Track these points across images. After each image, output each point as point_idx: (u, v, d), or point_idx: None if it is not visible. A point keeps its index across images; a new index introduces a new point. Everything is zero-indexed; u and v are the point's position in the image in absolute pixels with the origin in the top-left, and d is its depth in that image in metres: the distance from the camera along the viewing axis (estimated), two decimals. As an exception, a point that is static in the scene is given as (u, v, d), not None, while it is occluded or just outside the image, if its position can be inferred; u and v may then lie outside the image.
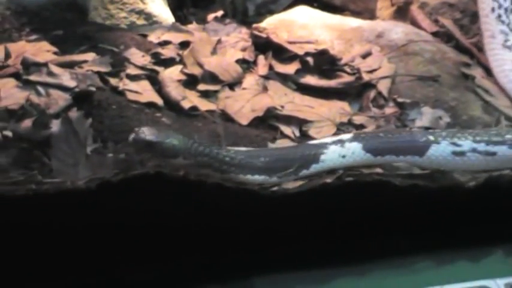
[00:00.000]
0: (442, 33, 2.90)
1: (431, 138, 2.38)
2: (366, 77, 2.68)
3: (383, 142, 2.40)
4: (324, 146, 2.36)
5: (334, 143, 2.37)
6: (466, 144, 2.36)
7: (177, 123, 2.54)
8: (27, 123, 2.43)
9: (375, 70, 2.70)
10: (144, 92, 2.63)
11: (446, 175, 2.36)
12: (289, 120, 2.58)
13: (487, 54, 2.81)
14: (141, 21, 3.05)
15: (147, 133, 2.23)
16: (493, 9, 2.82)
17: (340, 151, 2.35)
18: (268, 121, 2.58)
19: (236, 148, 2.35)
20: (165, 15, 3.11)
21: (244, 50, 2.77)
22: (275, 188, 2.25)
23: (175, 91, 2.64)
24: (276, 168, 2.30)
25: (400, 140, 2.40)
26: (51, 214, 2.01)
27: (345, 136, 2.39)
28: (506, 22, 2.80)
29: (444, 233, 2.27)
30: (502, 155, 2.35)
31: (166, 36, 2.88)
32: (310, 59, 2.73)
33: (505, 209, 2.32)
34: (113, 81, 2.64)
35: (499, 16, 2.81)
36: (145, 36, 2.91)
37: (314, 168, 2.33)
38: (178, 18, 3.14)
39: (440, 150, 2.36)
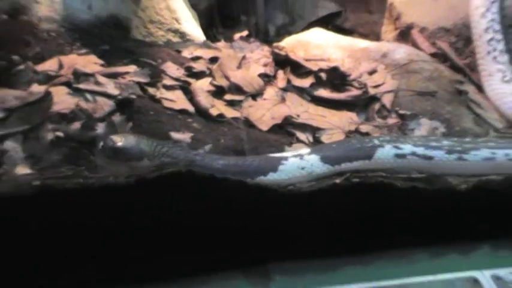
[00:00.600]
0: (439, 54, 2.91)
1: (377, 142, 2.41)
2: (372, 91, 2.70)
3: (337, 152, 2.42)
4: (285, 158, 2.37)
5: (294, 156, 2.38)
6: (407, 148, 2.39)
7: (205, 128, 2.56)
8: (76, 125, 2.45)
9: (379, 85, 2.71)
10: (177, 100, 2.64)
11: (440, 179, 2.37)
12: (304, 127, 2.59)
13: (486, 90, 2.85)
14: (176, 39, 3.06)
15: (115, 140, 2.26)
16: (488, 52, 2.84)
17: (300, 163, 2.36)
18: (286, 128, 2.59)
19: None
20: (197, 34, 3.12)
21: (265, 65, 2.78)
22: (291, 187, 2.26)
23: (204, 100, 2.65)
24: (231, 171, 2.30)
25: (352, 148, 2.43)
26: (96, 204, 2.03)
27: (304, 151, 2.41)
28: (501, 61, 2.81)
29: (438, 229, 2.28)
30: (438, 159, 2.35)
31: (198, 52, 2.90)
32: (323, 75, 2.74)
33: (492, 209, 2.33)
34: (151, 90, 2.66)
35: (495, 57, 2.83)
36: (179, 52, 2.91)
37: (271, 175, 2.33)
38: (208, 36, 3.14)
39: (385, 153, 2.39)
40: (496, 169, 2.39)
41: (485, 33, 2.85)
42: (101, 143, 2.28)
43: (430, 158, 2.39)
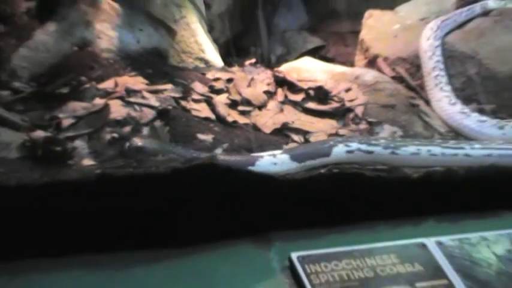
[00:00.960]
0: (397, 77, 2.92)
1: (332, 143, 2.43)
2: (348, 104, 2.71)
3: (303, 151, 2.45)
4: (261, 156, 2.39)
5: (268, 155, 2.40)
6: (354, 145, 2.40)
7: (223, 131, 2.60)
8: (127, 129, 2.46)
9: (353, 100, 2.72)
10: (202, 110, 2.66)
11: (398, 170, 2.38)
12: (297, 131, 2.61)
13: (437, 111, 2.87)
14: (201, 65, 3.07)
15: (137, 141, 2.29)
16: (436, 84, 2.85)
17: (272, 160, 2.38)
18: (284, 131, 2.61)
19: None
20: (217, 61, 3.14)
21: (268, 84, 2.81)
22: (288, 176, 2.28)
23: (223, 110, 2.67)
24: None
25: (314, 148, 2.45)
26: (141, 188, 2.04)
27: (277, 151, 2.43)
28: (446, 90, 2.84)
29: (396, 206, 2.28)
30: (377, 153, 2.37)
31: (218, 75, 2.92)
32: (311, 92, 2.76)
33: (437, 191, 2.35)
34: (183, 103, 2.68)
35: (441, 88, 2.84)
36: (204, 74, 2.94)
37: (249, 168, 2.35)
38: (225, 63, 3.15)
39: (339, 150, 2.40)
40: (420, 162, 2.43)
41: (433, 71, 2.91)
42: (127, 144, 2.31)
43: (370, 152, 2.40)
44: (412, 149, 2.43)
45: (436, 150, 2.44)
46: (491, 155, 2.48)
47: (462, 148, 2.47)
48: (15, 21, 2.93)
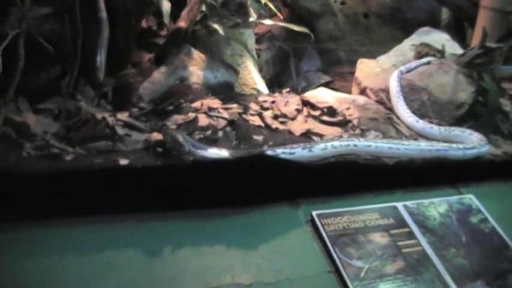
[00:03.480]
0: (379, 101, 2.89)
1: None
2: (348, 118, 2.67)
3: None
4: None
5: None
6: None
7: (269, 134, 2.54)
8: (209, 132, 2.43)
9: (351, 115, 2.69)
10: (256, 121, 2.62)
11: (380, 159, 2.36)
12: (316, 134, 2.56)
13: (403, 120, 2.83)
14: (255, 92, 3.07)
15: (177, 136, 2.22)
16: (399, 106, 2.84)
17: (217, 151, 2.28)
18: (308, 135, 2.56)
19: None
20: (264, 90, 3.14)
21: (297, 105, 2.77)
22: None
23: (269, 120, 2.63)
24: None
25: (306, 146, 2.35)
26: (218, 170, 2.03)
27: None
28: (406, 109, 2.83)
29: (377, 182, 2.25)
30: (299, 154, 2.28)
31: (265, 98, 2.87)
32: (325, 109, 2.72)
33: (403, 172, 2.33)
34: (244, 116, 2.64)
35: (403, 108, 2.83)
36: (257, 98, 2.89)
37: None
38: (270, 90, 3.13)
39: (317, 147, 2.34)
40: (328, 154, 2.35)
41: (397, 94, 2.87)
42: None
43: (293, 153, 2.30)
44: (321, 146, 2.35)
45: (335, 143, 2.36)
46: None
47: (352, 140, 2.41)
48: (142, 66, 2.95)
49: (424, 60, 3.12)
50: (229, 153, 2.28)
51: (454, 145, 2.50)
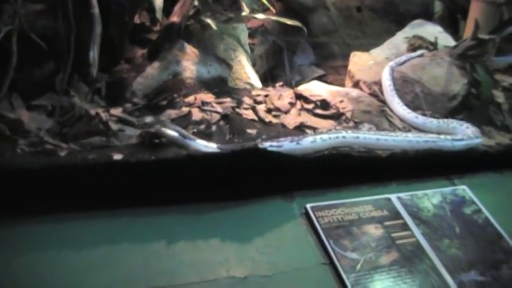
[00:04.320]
0: (372, 94, 2.89)
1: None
2: (341, 111, 2.68)
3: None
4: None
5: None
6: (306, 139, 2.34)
7: (263, 127, 2.55)
8: (202, 126, 2.44)
9: (345, 108, 2.69)
10: (249, 114, 2.63)
11: (373, 151, 2.37)
12: (310, 127, 2.57)
13: (396, 113, 2.84)
14: (248, 86, 3.06)
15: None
16: (392, 99, 2.83)
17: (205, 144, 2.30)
18: (301, 128, 2.57)
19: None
20: (258, 84, 3.13)
21: (291, 98, 2.77)
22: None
23: (262, 114, 2.64)
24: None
25: (295, 139, 2.36)
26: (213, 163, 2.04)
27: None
28: (399, 101, 2.83)
29: (371, 174, 2.26)
30: (287, 147, 2.30)
31: (259, 92, 2.88)
32: (318, 103, 2.72)
33: (397, 164, 2.34)
34: (237, 110, 2.65)
35: (398, 102, 2.83)
36: (250, 92, 2.90)
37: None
38: (263, 85, 3.13)
39: (306, 140, 2.35)
40: (317, 147, 2.35)
41: (391, 92, 2.87)
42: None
43: (280, 146, 2.30)
44: (310, 139, 2.35)
45: (324, 136, 2.37)
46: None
47: (341, 132, 2.43)
48: (135, 62, 2.94)
49: (413, 54, 3.13)
50: (217, 146, 2.30)
51: (442, 136, 2.51)
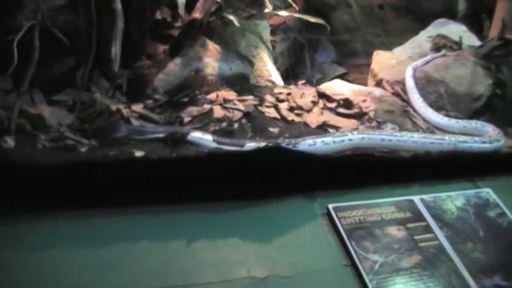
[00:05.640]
0: (395, 93, 2.87)
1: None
2: (364, 110, 2.66)
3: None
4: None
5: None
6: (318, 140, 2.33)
7: (285, 126, 2.54)
8: (224, 124, 2.42)
9: (367, 107, 2.68)
10: (272, 113, 2.62)
11: (396, 152, 2.35)
12: (332, 127, 2.55)
13: (420, 113, 2.81)
14: (270, 83, 3.05)
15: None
16: (415, 99, 2.81)
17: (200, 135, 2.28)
18: (324, 127, 2.55)
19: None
20: (280, 82, 3.12)
21: (313, 96, 2.77)
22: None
23: (285, 112, 2.62)
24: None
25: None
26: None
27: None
28: (422, 101, 2.81)
29: (394, 175, 2.24)
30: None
31: (281, 90, 2.88)
32: (341, 101, 2.71)
33: (420, 166, 2.31)
34: (259, 107, 2.64)
35: (421, 101, 2.78)
36: (272, 90, 2.89)
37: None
38: (285, 82, 3.11)
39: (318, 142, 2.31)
40: (329, 149, 2.33)
41: (414, 94, 2.84)
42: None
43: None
44: (309, 142, 2.32)
45: (327, 139, 2.34)
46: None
47: (346, 135, 2.37)
48: (156, 58, 2.94)
49: (437, 54, 3.10)
50: (213, 138, 2.29)
51: (446, 137, 2.48)
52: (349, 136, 2.34)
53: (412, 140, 2.41)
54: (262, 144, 2.25)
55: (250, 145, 2.27)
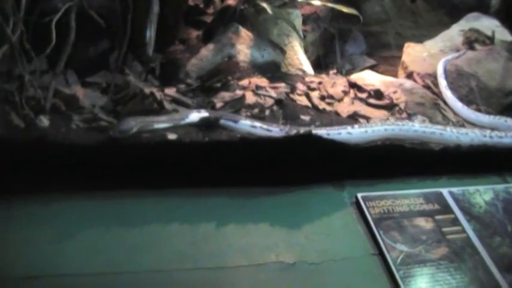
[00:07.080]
0: (426, 86, 2.84)
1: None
2: (394, 101, 2.65)
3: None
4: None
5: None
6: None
7: (316, 114, 2.53)
8: (256, 110, 2.42)
9: (398, 99, 2.66)
10: (303, 101, 2.61)
11: (426, 144, 2.35)
12: (363, 117, 2.54)
13: (451, 106, 2.80)
14: (300, 72, 3.03)
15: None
16: (446, 88, 2.82)
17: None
18: (354, 116, 2.55)
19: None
20: (310, 71, 3.08)
21: (344, 86, 2.75)
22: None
23: (316, 101, 2.62)
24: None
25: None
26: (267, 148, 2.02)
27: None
28: (453, 95, 2.78)
29: (423, 167, 2.23)
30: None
31: (312, 79, 2.86)
32: (372, 92, 2.70)
33: (448, 159, 2.30)
34: (291, 95, 2.64)
35: (451, 93, 2.78)
36: (303, 78, 2.87)
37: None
38: (316, 71, 3.09)
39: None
40: (370, 137, 2.34)
41: (444, 85, 2.83)
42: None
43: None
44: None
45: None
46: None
47: (345, 128, 2.36)
48: (189, 43, 2.96)
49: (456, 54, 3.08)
50: (209, 113, 2.29)
51: (448, 129, 2.46)
52: (348, 130, 2.35)
53: (413, 129, 2.41)
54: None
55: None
